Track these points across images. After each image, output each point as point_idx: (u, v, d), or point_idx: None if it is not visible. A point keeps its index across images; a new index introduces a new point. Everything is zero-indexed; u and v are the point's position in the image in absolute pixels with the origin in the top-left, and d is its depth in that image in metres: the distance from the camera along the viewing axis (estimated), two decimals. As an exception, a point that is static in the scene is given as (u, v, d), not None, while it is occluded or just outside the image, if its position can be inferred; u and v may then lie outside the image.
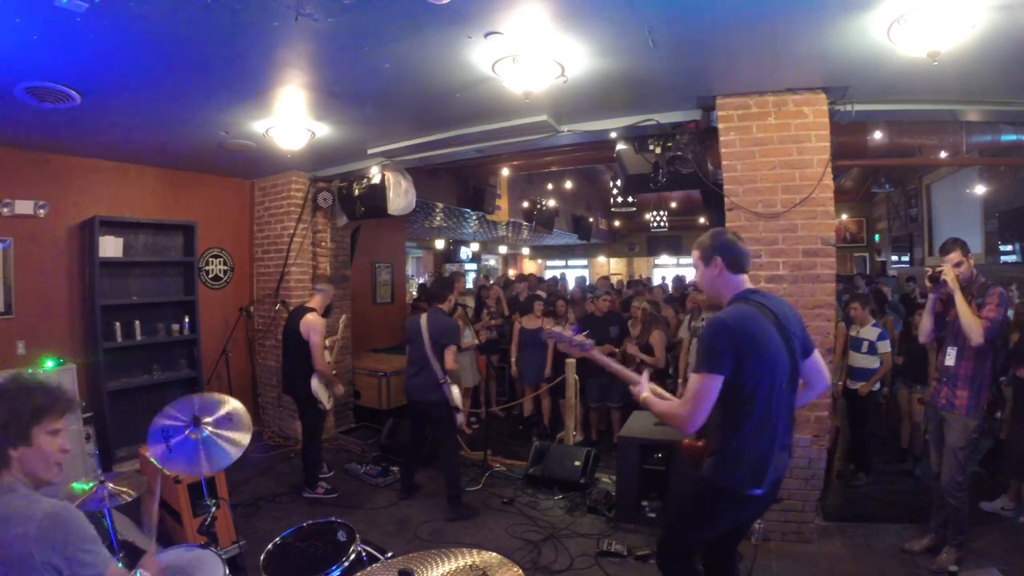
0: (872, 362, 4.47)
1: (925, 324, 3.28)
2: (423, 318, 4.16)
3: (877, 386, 4.60)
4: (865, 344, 4.48)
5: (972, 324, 2.92)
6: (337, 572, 2.06)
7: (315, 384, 4.21)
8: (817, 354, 2.15)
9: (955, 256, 3.04)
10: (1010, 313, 4.19)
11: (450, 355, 4.02)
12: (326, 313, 4.42)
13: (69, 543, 1.32)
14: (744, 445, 1.94)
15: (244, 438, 2.52)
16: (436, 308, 4.20)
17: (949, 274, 3.00)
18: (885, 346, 4.45)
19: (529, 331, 5.86)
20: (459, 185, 7.89)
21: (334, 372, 4.53)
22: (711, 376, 1.88)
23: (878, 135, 4.20)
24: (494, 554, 1.62)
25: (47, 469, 1.44)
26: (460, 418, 4.17)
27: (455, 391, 4.08)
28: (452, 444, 4.22)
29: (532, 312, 5.98)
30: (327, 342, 4.52)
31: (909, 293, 6.84)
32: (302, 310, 4.28)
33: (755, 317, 1.95)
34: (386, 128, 4.33)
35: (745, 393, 1.91)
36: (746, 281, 2.08)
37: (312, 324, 4.14)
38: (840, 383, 4.64)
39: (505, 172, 7.84)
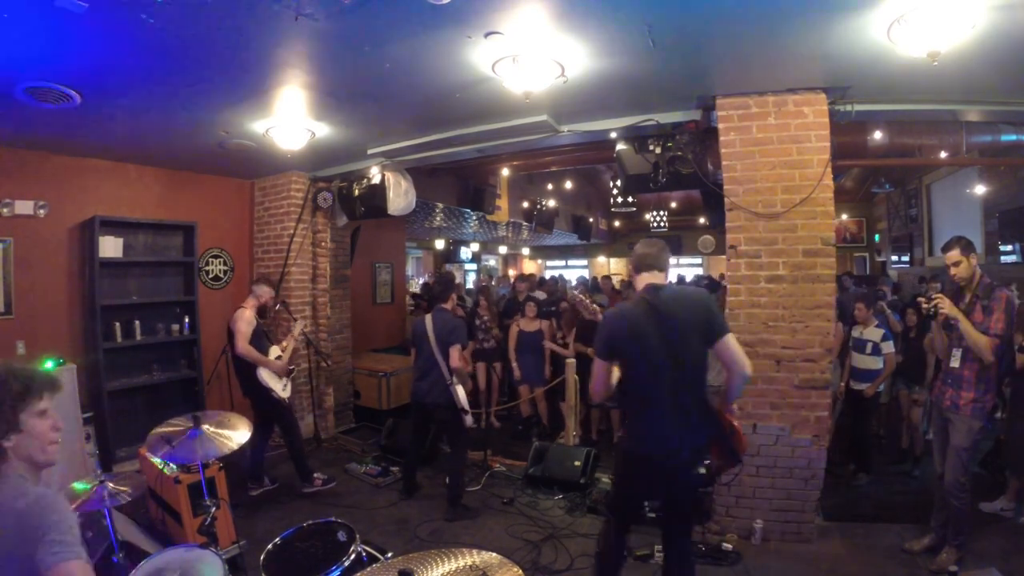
0: (876, 363, 4.47)
1: (938, 343, 3.26)
2: (428, 319, 4.14)
3: (881, 387, 4.60)
4: (869, 345, 4.48)
5: (980, 344, 2.88)
6: (337, 572, 2.05)
7: (262, 374, 4.26)
8: (728, 340, 2.29)
9: (954, 254, 3.02)
10: None
11: (456, 353, 4.00)
12: (262, 313, 4.51)
13: (45, 530, 1.25)
14: (638, 420, 2.37)
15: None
16: (439, 308, 4.19)
17: (946, 305, 2.97)
18: (889, 347, 4.44)
19: (527, 333, 5.84)
20: (459, 185, 7.89)
21: (291, 369, 4.59)
22: (596, 360, 2.38)
23: (878, 135, 4.20)
24: (494, 554, 1.62)
25: (42, 451, 1.42)
26: (469, 420, 4.15)
27: (461, 392, 4.07)
28: (461, 446, 4.20)
29: (526, 314, 5.93)
30: (283, 343, 4.63)
31: (916, 296, 6.85)
32: (236, 311, 4.38)
33: (627, 313, 2.38)
34: (386, 128, 4.33)
35: (629, 377, 2.34)
36: (648, 279, 2.40)
37: (237, 316, 4.28)
38: (842, 383, 4.65)
39: (505, 172, 7.84)
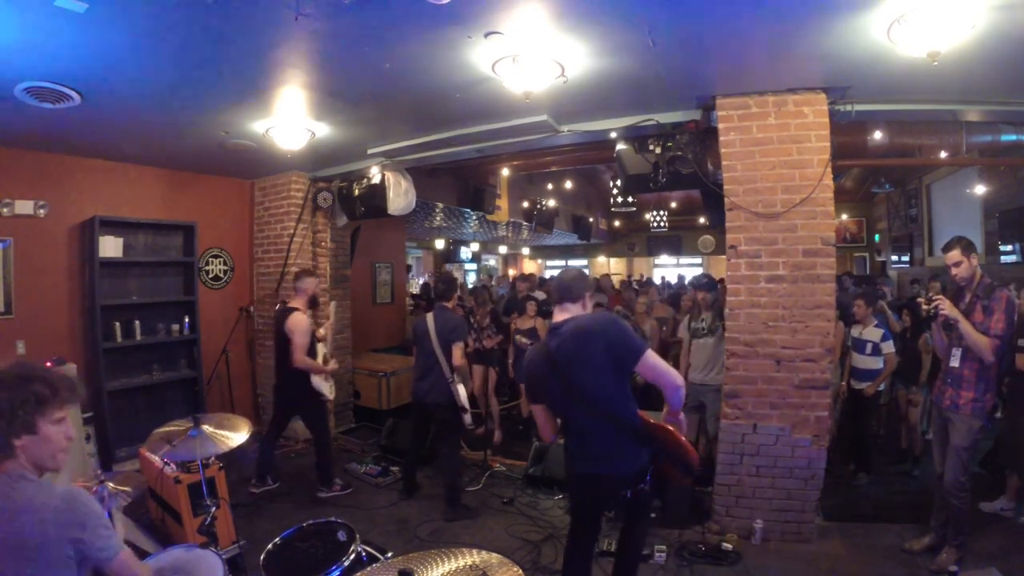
0: (876, 363, 4.46)
1: (937, 341, 3.26)
2: (429, 317, 4.14)
3: (881, 386, 4.60)
4: (869, 345, 4.48)
5: (980, 345, 2.88)
6: (337, 572, 2.06)
7: (315, 379, 4.25)
8: (646, 360, 2.25)
9: (954, 255, 3.02)
10: None
11: (458, 351, 4.00)
12: (313, 304, 4.40)
13: (87, 522, 1.36)
14: (567, 444, 2.50)
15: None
16: (441, 306, 4.19)
17: (946, 305, 2.97)
18: (889, 347, 4.44)
19: (523, 332, 5.82)
20: (459, 185, 7.88)
21: (332, 361, 4.57)
22: (530, 403, 2.57)
23: (878, 135, 4.20)
24: (494, 554, 1.62)
25: (52, 458, 1.45)
26: (468, 418, 4.14)
27: (461, 390, 4.06)
28: (456, 446, 4.20)
29: (526, 312, 5.91)
30: (320, 331, 4.57)
31: (914, 297, 6.88)
32: (287, 310, 4.27)
33: (533, 356, 2.49)
34: (386, 128, 4.33)
35: (553, 410, 2.46)
36: (559, 315, 2.41)
37: (296, 323, 4.13)
38: (843, 383, 4.65)
39: (505, 172, 7.84)
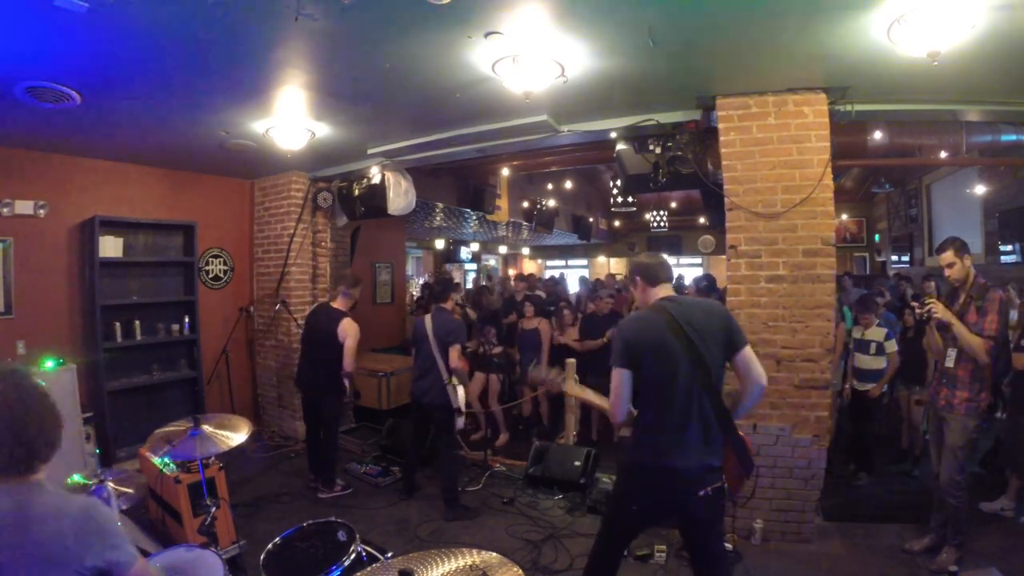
0: (879, 363, 4.46)
1: (935, 342, 3.27)
2: (427, 319, 4.15)
3: (885, 387, 4.59)
4: (873, 346, 4.48)
5: (974, 346, 2.90)
6: (337, 572, 2.06)
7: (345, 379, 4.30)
8: (747, 351, 2.28)
9: (948, 256, 3.03)
10: (1013, 315, 4.18)
11: (455, 353, 4.01)
12: (351, 309, 4.45)
13: (104, 535, 1.35)
14: (648, 427, 2.25)
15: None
16: (439, 308, 4.19)
17: (939, 309, 2.99)
18: (892, 346, 4.44)
19: (525, 332, 5.83)
20: (459, 185, 7.88)
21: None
22: (616, 370, 2.23)
23: (878, 135, 4.20)
24: (494, 554, 1.62)
25: None
26: (460, 422, 4.13)
27: (460, 392, 4.06)
28: (451, 445, 4.21)
29: (525, 314, 5.90)
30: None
31: (902, 293, 6.90)
32: (334, 312, 4.27)
33: (649, 320, 2.28)
34: (386, 128, 4.33)
35: (645, 385, 2.24)
36: (662, 291, 2.37)
37: (350, 328, 4.16)
38: (847, 384, 4.65)
39: (505, 172, 7.84)
